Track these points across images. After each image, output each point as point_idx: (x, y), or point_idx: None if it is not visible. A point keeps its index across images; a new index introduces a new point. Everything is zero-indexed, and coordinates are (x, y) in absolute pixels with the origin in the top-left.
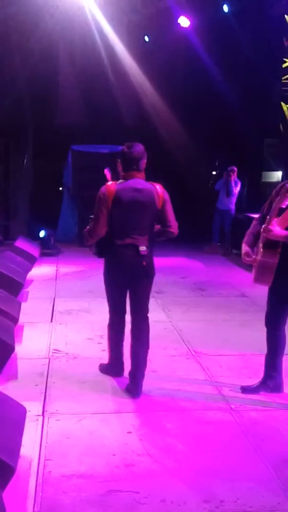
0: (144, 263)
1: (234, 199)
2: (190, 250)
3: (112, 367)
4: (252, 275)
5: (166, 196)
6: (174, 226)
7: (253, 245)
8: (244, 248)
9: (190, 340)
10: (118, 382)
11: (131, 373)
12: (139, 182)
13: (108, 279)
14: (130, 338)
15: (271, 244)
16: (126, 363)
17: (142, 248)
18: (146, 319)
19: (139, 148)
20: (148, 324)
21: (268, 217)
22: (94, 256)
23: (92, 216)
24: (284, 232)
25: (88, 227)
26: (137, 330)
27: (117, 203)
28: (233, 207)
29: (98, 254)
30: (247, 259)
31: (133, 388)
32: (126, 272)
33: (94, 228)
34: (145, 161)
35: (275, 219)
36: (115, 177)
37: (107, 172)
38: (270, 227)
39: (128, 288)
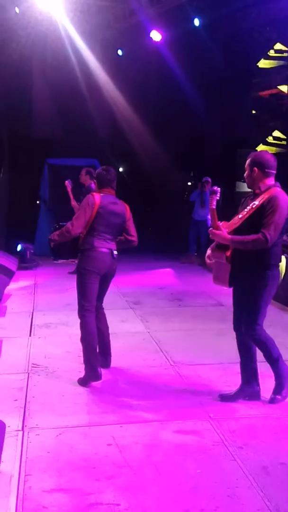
0: (115, 266)
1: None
2: (166, 260)
3: (92, 371)
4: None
5: (130, 213)
6: (135, 237)
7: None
8: (208, 251)
9: (169, 350)
10: (97, 395)
11: (102, 349)
12: (114, 197)
13: (84, 281)
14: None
15: (220, 246)
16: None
17: (115, 252)
18: (102, 303)
19: (113, 171)
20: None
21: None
22: (54, 260)
23: (59, 224)
24: (226, 236)
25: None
26: (101, 315)
27: (101, 211)
28: (209, 217)
29: (60, 256)
30: (208, 261)
31: (106, 361)
32: (101, 272)
33: (73, 226)
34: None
35: (223, 223)
36: (76, 190)
37: (68, 184)
38: (213, 230)
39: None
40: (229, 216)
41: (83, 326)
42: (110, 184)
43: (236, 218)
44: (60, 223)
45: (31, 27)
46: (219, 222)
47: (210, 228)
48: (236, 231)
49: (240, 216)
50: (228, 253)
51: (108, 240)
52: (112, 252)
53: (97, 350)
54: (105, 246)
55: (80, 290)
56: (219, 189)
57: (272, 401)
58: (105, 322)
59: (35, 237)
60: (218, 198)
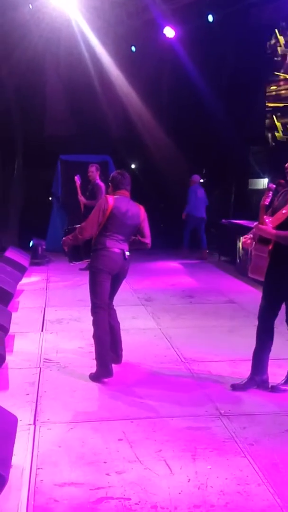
0: (126, 267)
1: None
2: (178, 258)
3: (104, 368)
4: (249, 269)
5: (145, 215)
6: (149, 239)
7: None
8: (246, 238)
9: (180, 346)
10: (108, 390)
11: (113, 345)
12: (128, 199)
13: (97, 280)
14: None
15: (263, 240)
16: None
17: (127, 253)
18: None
19: (127, 176)
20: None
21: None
22: (70, 263)
23: (69, 227)
24: (271, 231)
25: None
26: (112, 311)
27: (115, 212)
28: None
29: (75, 258)
30: (245, 241)
31: (117, 357)
32: (112, 272)
33: (86, 228)
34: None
35: (269, 218)
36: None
37: (77, 179)
38: (259, 225)
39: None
40: (243, 214)
41: (96, 324)
42: (124, 186)
43: (280, 213)
44: (70, 227)
45: (45, 23)
46: (265, 217)
47: (256, 223)
48: (280, 226)
49: (284, 211)
50: (271, 247)
51: (121, 241)
52: (124, 253)
53: (109, 347)
54: (117, 247)
55: (92, 288)
56: (274, 186)
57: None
58: (116, 318)
59: (47, 233)
60: (271, 195)
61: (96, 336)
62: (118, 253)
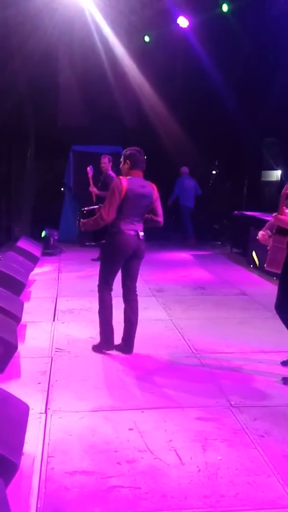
0: (142, 246)
1: None
2: (189, 249)
3: (106, 342)
4: (266, 261)
5: (158, 194)
6: (161, 217)
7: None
8: (263, 229)
9: (191, 337)
10: (119, 380)
11: (126, 336)
12: (142, 179)
13: (109, 260)
14: (125, 308)
15: (282, 231)
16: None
17: (141, 234)
18: (136, 290)
19: (143, 153)
20: (136, 294)
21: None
22: (87, 246)
23: (85, 208)
24: None
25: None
26: (131, 300)
27: (129, 194)
28: None
29: (96, 239)
30: (262, 237)
31: (129, 348)
32: (126, 254)
33: (107, 214)
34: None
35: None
36: (96, 177)
37: (89, 170)
38: (278, 215)
39: (121, 267)
40: (256, 205)
41: (101, 301)
42: (141, 165)
43: None
44: (84, 208)
45: (58, 14)
46: (284, 207)
47: (275, 214)
48: None
49: None
50: None
51: (135, 222)
52: (138, 234)
53: (112, 323)
54: (132, 229)
55: (104, 269)
56: None
57: None
58: (136, 311)
59: (59, 223)
60: None
61: (101, 313)
62: (133, 235)
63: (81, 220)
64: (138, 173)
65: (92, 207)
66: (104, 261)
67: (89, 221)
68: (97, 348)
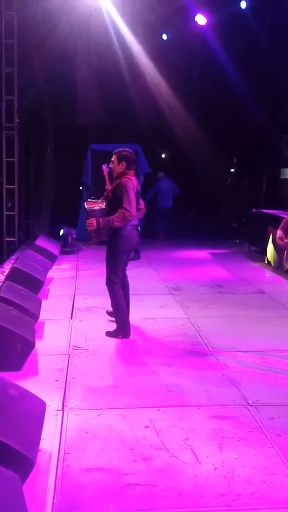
0: (138, 238)
1: None
2: (207, 247)
3: (122, 329)
4: (284, 258)
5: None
6: (143, 205)
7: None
8: (279, 232)
9: (208, 336)
10: (136, 378)
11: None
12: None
13: (121, 253)
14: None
15: None
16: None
17: (138, 227)
18: (126, 274)
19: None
20: (126, 275)
21: None
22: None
23: (92, 197)
24: None
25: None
26: (126, 283)
27: (134, 193)
28: None
29: (99, 237)
30: (281, 242)
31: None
32: (131, 248)
33: (131, 210)
34: None
35: None
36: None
37: (105, 168)
38: None
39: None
40: (274, 203)
41: (113, 295)
42: (134, 166)
43: None
44: (92, 197)
45: (76, 12)
46: None
47: None
48: None
49: None
50: None
51: (135, 217)
52: (137, 227)
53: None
54: (134, 223)
55: (114, 262)
56: None
57: None
58: (128, 289)
59: (77, 222)
60: None
61: (115, 306)
62: (134, 230)
63: (102, 219)
64: (132, 173)
65: (92, 207)
66: (115, 255)
67: (115, 220)
68: (112, 334)
